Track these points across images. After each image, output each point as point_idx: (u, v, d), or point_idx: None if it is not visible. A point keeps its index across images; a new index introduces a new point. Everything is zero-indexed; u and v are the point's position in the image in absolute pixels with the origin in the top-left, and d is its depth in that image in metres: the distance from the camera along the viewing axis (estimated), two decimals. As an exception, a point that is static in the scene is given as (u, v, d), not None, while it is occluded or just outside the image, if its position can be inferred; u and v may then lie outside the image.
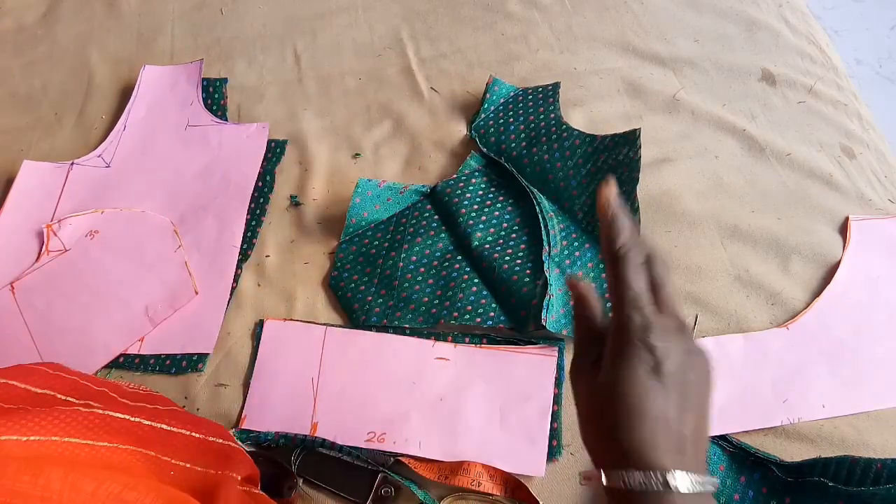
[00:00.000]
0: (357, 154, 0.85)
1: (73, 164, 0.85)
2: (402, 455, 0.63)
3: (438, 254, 0.75)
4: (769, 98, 0.86)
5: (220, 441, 0.51)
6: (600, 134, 0.78)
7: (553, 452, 0.62)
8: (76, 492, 0.36)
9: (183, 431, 0.50)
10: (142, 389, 0.62)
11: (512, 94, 0.86)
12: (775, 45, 0.91)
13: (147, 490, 0.39)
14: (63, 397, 0.50)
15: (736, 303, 0.70)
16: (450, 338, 0.69)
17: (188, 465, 0.48)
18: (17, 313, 0.73)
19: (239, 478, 0.48)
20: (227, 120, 0.89)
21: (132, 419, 0.48)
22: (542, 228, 0.73)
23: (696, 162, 0.80)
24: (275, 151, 0.85)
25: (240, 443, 0.56)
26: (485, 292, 0.71)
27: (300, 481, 0.61)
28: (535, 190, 0.76)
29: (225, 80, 0.92)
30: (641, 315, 0.39)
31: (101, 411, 0.46)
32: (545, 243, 0.72)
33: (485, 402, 0.66)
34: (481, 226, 0.75)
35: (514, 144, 0.81)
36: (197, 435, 0.50)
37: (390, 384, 0.67)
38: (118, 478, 0.38)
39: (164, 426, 0.49)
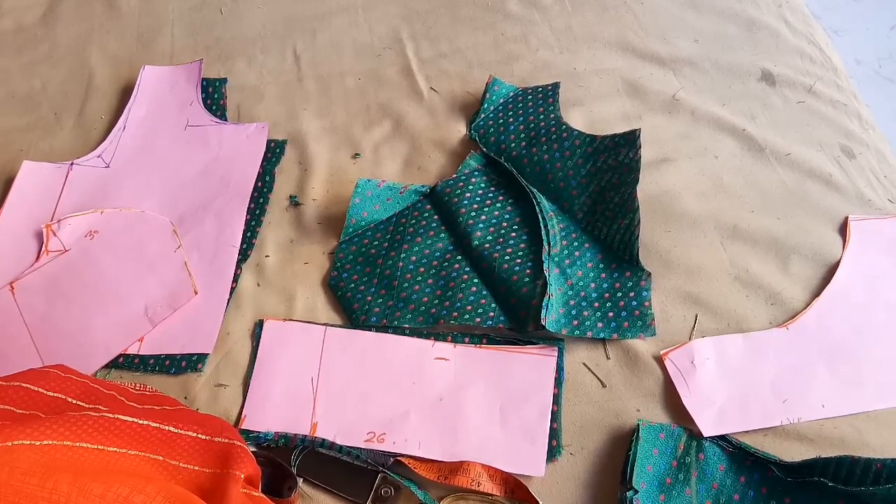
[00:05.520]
0: (357, 154, 0.85)
1: (72, 164, 0.85)
2: (402, 455, 0.63)
3: (438, 254, 0.75)
4: (769, 98, 0.86)
5: (225, 441, 0.52)
6: (600, 134, 0.78)
7: (553, 452, 0.62)
8: (84, 495, 0.37)
9: (189, 433, 0.50)
10: (148, 390, 0.62)
11: (512, 93, 0.86)
12: (775, 45, 0.91)
13: (155, 492, 0.39)
14: (74, 401, 0.50)
15: (735, 303, 0.70)
16: (449, 338, 0.69)
17: (195, 468, 0.48)
18: (17, 313, 0.73)
19: (242, 476, 0.49)
20: (226, 120, 0.89)
21: (140, 422, 0.48)
22: (542, 228, 0.73)
23: (696, 162, 0.80)
24: (274, 151, 0.85)
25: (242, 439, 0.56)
26: (484, 292, 0.71)
27: (300, 481, 0.61)
28: (534, 190, 0.76)
29: (224, 80, 0.92)
30: None
31: (110, 415, 0.46)
32: (545, 243, 0.72)
33: (484, 402, 0.66)
34: (481, 226, 0.75)
35: (513, 144, 0.81)
36: (203, 437, 0.51)
37: (390, 384, 0.67)
38: (127, 481, 0.39)
39: (172, 429, 0.50)
